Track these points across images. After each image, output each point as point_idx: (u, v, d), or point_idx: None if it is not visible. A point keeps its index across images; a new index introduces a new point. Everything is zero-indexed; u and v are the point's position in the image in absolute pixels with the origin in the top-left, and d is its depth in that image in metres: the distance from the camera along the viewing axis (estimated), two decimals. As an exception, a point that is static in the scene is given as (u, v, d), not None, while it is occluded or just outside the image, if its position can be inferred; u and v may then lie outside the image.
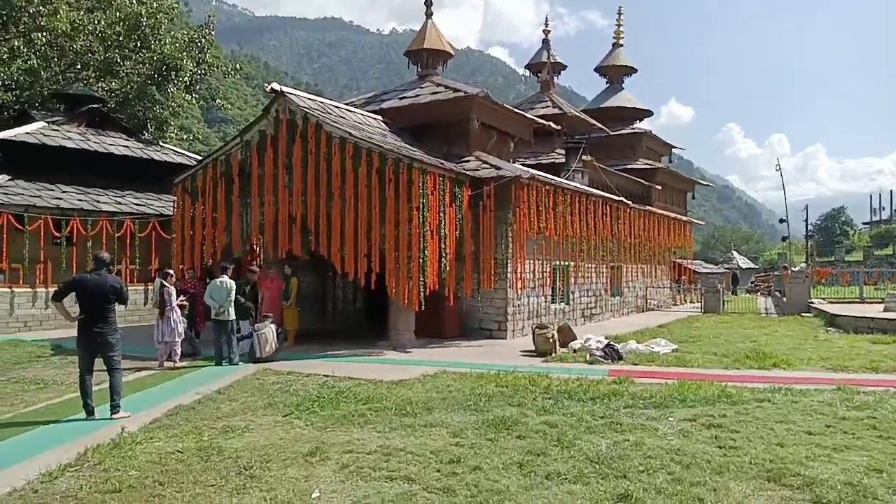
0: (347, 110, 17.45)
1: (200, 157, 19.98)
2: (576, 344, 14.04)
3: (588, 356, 12.66)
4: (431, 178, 14.13)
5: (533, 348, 13.78)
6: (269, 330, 12.55)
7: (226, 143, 16.62)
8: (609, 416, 7.82)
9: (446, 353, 13.73)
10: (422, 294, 13.79)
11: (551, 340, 13.41)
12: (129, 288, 20.41)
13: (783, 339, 16.31)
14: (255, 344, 12.47)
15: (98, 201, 20.06)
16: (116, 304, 8.39)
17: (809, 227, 78.84)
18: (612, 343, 13.20)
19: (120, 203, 20.73)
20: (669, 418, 7.78)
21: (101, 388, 8.49)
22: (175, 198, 17.25)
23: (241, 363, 12.20)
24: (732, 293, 36.20)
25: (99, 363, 8.24)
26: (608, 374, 11.04)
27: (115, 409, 8.21)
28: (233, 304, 12.25)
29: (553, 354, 13.22)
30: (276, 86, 15.09)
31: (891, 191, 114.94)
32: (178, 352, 11.98)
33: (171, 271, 12.67)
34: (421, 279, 13.75)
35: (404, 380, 10.24)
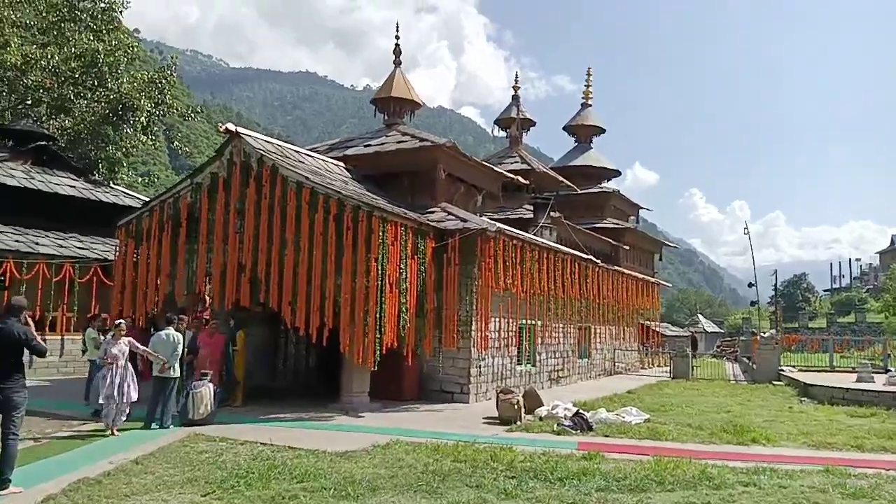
0: (308, 155, 16.64)
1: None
2: (542, 411, 13.05)
3: (556, 426, 11.66)
4: (393, 228, 13.27)
5: (496, 414, 12.75)
6: (205, 389, 11.33)
7: (175, 185, 15.62)
8: (580, 503, 6.83)
9: (402, 419, 12.60)
10: (378, 352, 12.73)
11: (516, 407, 12.41)
12: (66, 337, 19.16)
13: (758, 409, 15.53)
14: (188, 405, 11.22)
15: (37, 243, 18.75)
16: (30, 356, 7.29)
17: (772, 292, 79.92)
18: (581, 412, 12.24)
19: (61, 246, 19.43)
20: (648, 507, 6.82)
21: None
22: (118, 241, 16.08)
23: (171, 427, 10.95)
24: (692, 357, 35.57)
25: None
26: (577, 446, 10.08)
27: (4, 483, 6.96)
28: (178, 359, 11.11)
29: (518, 422, 12.20)
30: (230, 126, 14.23)
31: (850, 259, 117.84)
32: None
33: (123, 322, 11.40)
34: (378, 336, 12.72)
35: (351, 451, 9.11)
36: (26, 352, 7.20)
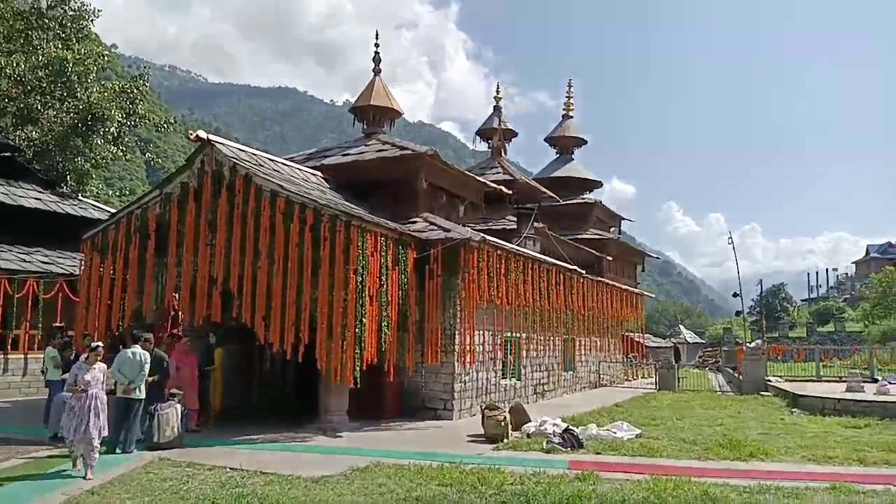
0: (284, 164, 16.03)
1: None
2: (530, 427, 12.49)
3: (545, 443, 11.10)
4: (373, 238, 12.68)
5: (482, 432, 12.16)
6: (172, 411, 10.62)
7: (143, 196, 14.93)
8: (578, 532, 6.27)
9: (383, 439, 11.96)
10: (357, 368, 12.10)
11: (503, 424, 11.83)
12: (30, 355, 18.26)
13: (749, 422, 15.10)
14: (153, 427, 10.49)
15: (-2, 257, 17.88)
16: None
17: (751, 302, 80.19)
18: (570, 427, 11.70)
19: (25, 261, 18.57)
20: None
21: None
22: (83, 255, 15.32)
23: (135, 451, 10.21)
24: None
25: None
26: (569, 465, 9.54)
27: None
28: (144, 380, 10.37)
29: (505, 440, 11.62)
30: (201, 133, 13.60)
31: (826, 269, 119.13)
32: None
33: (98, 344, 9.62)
34: (357, 351, 12.09)
35: (327, 476, 8.47)
36: None
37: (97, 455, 8.64)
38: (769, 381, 22.98)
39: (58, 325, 16.01)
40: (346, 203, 14.70)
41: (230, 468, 9.01)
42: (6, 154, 20.67)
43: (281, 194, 12.61)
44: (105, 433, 8.62)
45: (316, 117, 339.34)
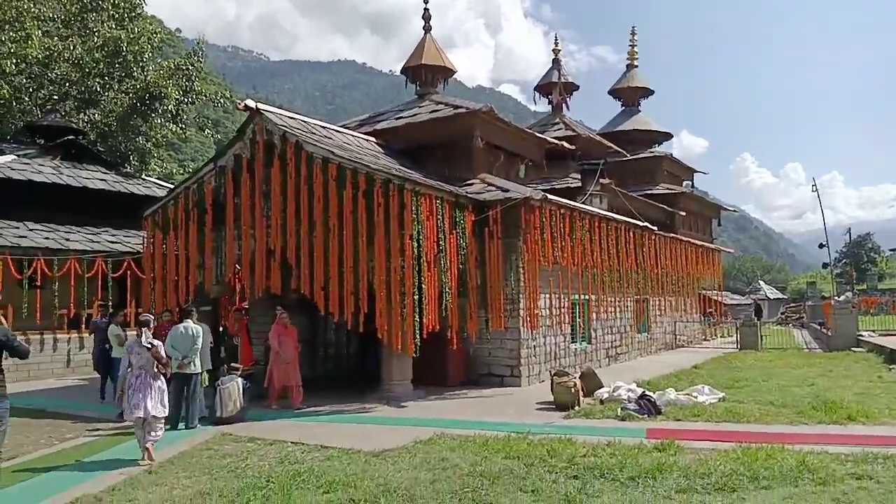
0: (336, 131, 15.60)
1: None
2: (602, 393, 11.83)
3: (619, 410, 10.41)
4: (427, 202, 12.13)
5: (551, 399, 11.56)
6: (233, 385, 10.47)
7: (198, 170, 14.80)
8: (660, 511, 5.64)
9: (448, 408, 11.53)
10: (418, 337, 11.67)
11: (573, 390, 11.19)
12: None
13: (843, 381, 13.95)
14: (216, 402, 10.38)
15: (67, 239, 18.29)
16: (10, 358, 6.42)
17: (836, 254, 75.88)
18: (646, 392, 10.95)
19: (93, 241, 18.94)
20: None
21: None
22: (145, 233, 15.40)
23: (199, 426, 10.13)
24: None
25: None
26: (647, 434, 8.85)
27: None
28: (199, 354, 10.24)
29: (576, 407, 10.99)
30: (250, 102, 13.26)
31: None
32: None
33: (150, 316, 9.06)
34: (417, 319, 11.65)
35: (389, 450, 8.07)
36: (6, 354, 6.30)
37: (159, 434, 8.15)
38: (861, 336, 21.47)
39: (101, 302, 16.21)
40: (399, 167, 14.17)
41: (291, 442, 8.77)
42: (70, 137, 21.07)
43: (332, 161, 12.18)
44: (161, 413, 8.14)
45: (376, 88, 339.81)
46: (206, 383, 10.67)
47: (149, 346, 8.07)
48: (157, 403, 8.01)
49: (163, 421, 8.27)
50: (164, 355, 8.27)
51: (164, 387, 8.32)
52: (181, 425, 10.11)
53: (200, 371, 10.24)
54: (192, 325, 10.14)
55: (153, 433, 8.05)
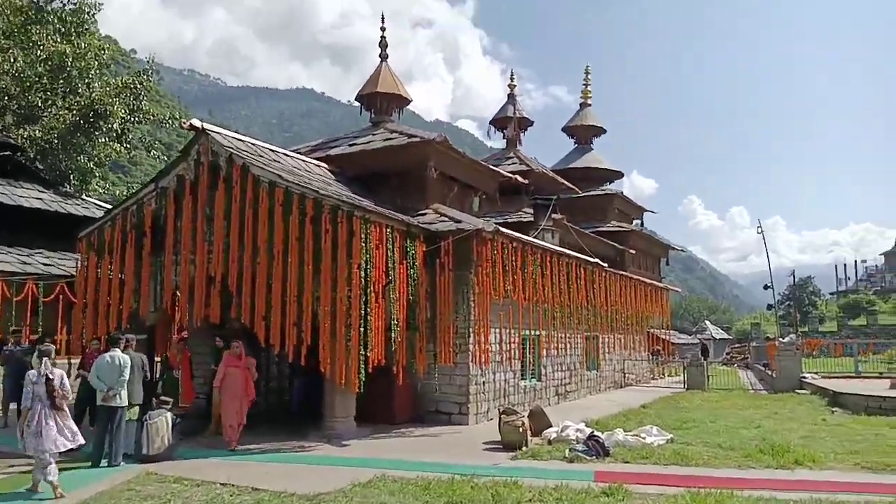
0: (286, 155, 15.19)
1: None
2: (551, 433, 11.53)
3: (567, 451, 10.12)
4: (377, 230, 11.79)
5: (499, 438, 11.21)
6: (161, 420, 9.81)
7: (138, 191, 14.19)
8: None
9: (392, 447, 11.05)
10: (363, 371, 11.20)
11: (521, 430, 10.88)
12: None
13: (788, 423, 14.00)
14: (142, 438, 9.69)
15: (-5, 260, 17.25)
16: None
17: (779, 296, 77.96)
18: (595, 433, 10.70)
19: (25, 262, 17.93)
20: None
21: None
22: (79, 255, 14.63)
23: (123, 464, 9.43)
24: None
25: None
26: (595, 477, 8.58)
27: None
28: (125, 385, 9.56)
29: (524, 447, 10.67)
30: (196, 122, 12.79)
31: (854, 261, 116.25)
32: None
33: (51, 347, 8.69)
34: (362, 352, 11.20)
35: (323, 493, 7.58)
36: None
37: (51, 475, 7.62)
38: (805, 378, 21.77)
39: (15, 328, 15.32)
40: (350, 194, 13.83)
41: (220, 484, 8.19)
42: (6, 153, 20.06)
43: (279, 184, 11.77)
44: (60, 447, 7.73)
45: (334, 118, 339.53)
46: (134, 417, 9.94)
47: (45, 377, 7.71)
48: (56, 437, 7.61)
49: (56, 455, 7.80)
50: (59, 388, 7.79)
51: (66, 420, 7.89)
52: (104, 462, 9.40)
53: (126, 404, 9.55)
54: (119, 355, 9.48)
55: (51, 467, 7.62)
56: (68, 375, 12.03)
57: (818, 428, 13.20)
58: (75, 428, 8.02)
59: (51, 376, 7.75)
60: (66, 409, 7.96)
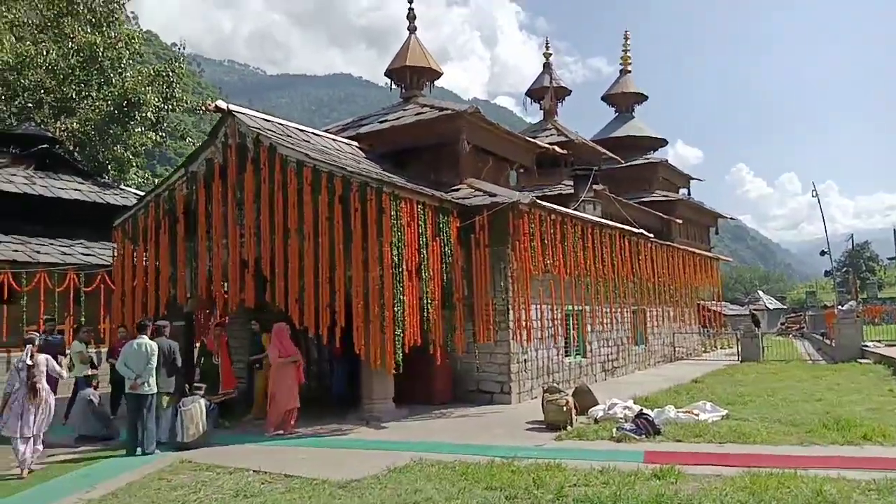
0: (315, 134, 14.87)
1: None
2: (597, 411, 11.01)
3: (615, 430, 9.60)
4: (408, 206, 11.36)
5: (542, 417, 10.75)
6: (195, 407, 9.64)
7: (169, 176, 14.03)
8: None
9: (431, 429, 10.71)
10: (399, 352, 10.86)
11: (566, 409, 10.38)
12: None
13: (852, 395, 13.15)
14: (177, 426, 9.55)
15: (38, 252, 17.47)
16: None
17: (835, 263, 75.07)
18: (644, 410, 10.15)
19: (65, 253, 18.13)
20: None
21: None
22: (115, 244, 14.62)
23: (157, 452, 9.30)
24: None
25: None
26: (644, 457, 8.05)
27: None
28: (154, 373, 9.43)
29: (569, 427, 10.18)
30: (221, 103, 12.55)
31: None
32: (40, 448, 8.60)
33: (35, 335, 9.22)
34: (397, 333, 10.85)
35: (356, 480, 7.26)
36: None
37: (28, 459, 8.23)
38: (867, 346, 20.69)
39: (48, 317, 15.42)
40: (380, 171, 13.43)
41: (253, 471, 7.95)
42: (44, 146, 20.30)
43: (307, 164, 11.42)
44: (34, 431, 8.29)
45: (372, 101, 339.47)
46: (166, 405, 9.81)
47: (26, 365, 8.18)
48: (33, 422, 8.21)
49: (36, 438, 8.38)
50: (36, 377, 8.26)
51: (48, 408, 8.50)
52: (138, 451, 9.29)
53: (154, 391, 9.39)
54: (147, 342, 9.32)
55: (27, 452, 8.16)
56: (99, 363, 12.32)
57: (885, 400, 12.34)
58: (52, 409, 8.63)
59: (30, 363, 8.20)
60: (46, 392, 8.44)
